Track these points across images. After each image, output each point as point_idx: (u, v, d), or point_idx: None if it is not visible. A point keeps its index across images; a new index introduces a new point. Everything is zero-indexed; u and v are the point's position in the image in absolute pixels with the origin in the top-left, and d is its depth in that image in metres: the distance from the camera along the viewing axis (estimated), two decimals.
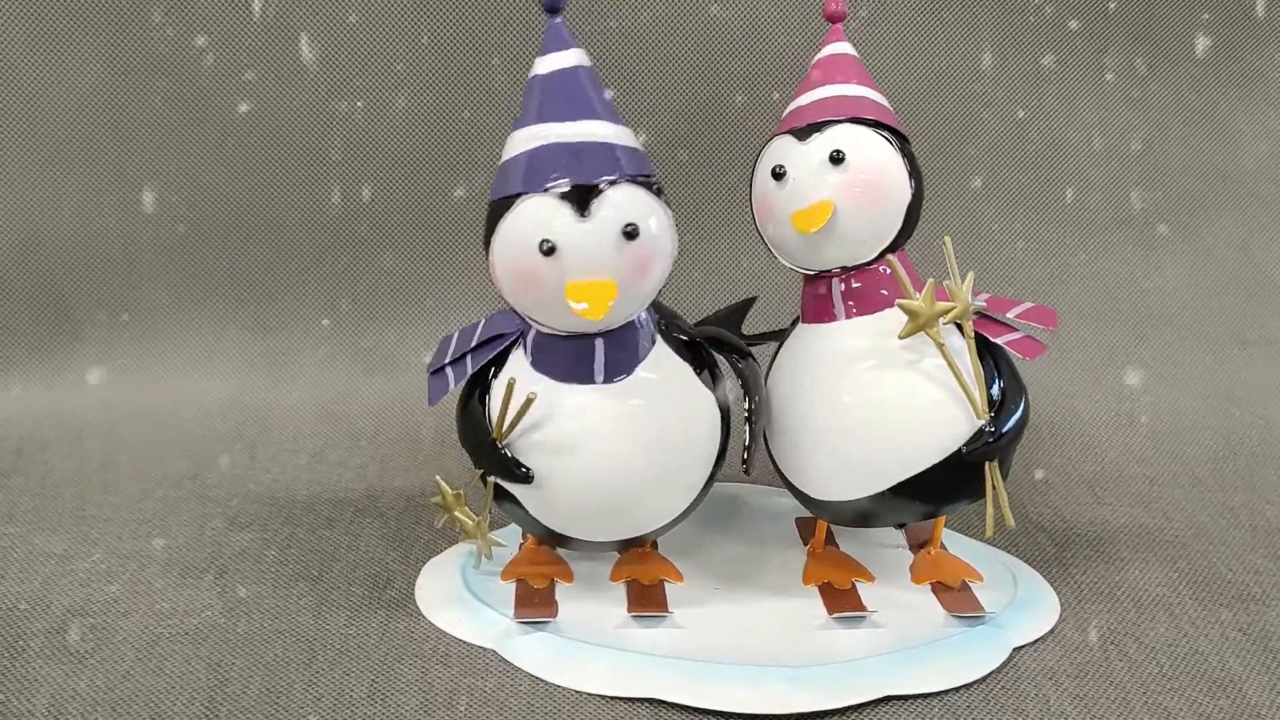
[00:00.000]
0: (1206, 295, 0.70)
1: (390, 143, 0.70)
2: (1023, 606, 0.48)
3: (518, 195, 0.43)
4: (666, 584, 0.49)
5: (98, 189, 0.69)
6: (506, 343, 0.46)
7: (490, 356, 0.46)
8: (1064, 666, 0.44)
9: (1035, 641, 0.46)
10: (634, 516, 0.46)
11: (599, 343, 0.44)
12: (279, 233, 0.69)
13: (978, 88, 0.70)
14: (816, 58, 0.49)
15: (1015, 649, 0.45)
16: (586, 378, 0.44)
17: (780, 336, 0.51)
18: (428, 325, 0.70)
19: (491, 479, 0.46)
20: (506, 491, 0.46)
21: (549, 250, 0.42)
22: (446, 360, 0.47)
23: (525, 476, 0.45)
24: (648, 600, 0.48)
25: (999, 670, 0.44)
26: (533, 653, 0.44)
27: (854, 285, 0.47)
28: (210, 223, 0.69)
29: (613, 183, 0.42)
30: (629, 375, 0.44)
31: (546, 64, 0.44)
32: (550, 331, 0.44)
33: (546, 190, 0.42)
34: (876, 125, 0.46)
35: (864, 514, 0.48)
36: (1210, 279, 0.71)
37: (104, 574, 0.50)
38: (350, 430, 0.66)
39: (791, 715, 0.41)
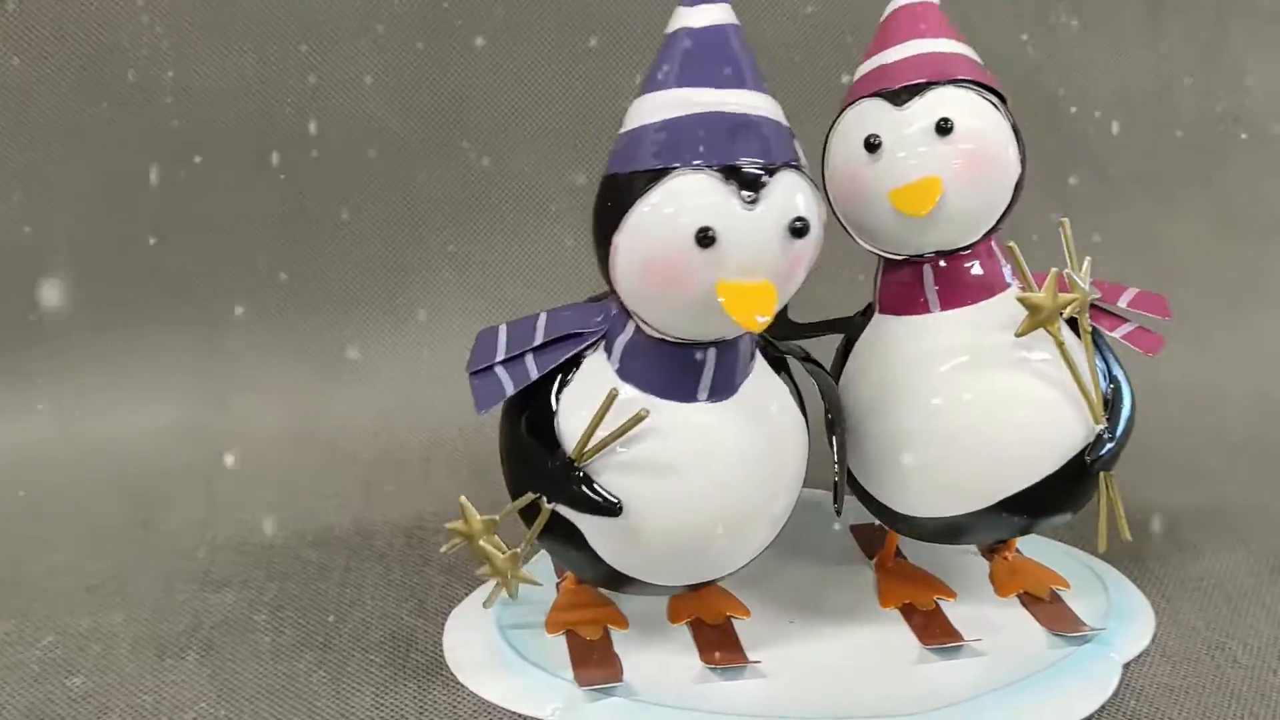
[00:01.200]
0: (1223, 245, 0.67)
1: (345, 122, 0.61)
2: (1120, 615, 0.44)
3: (665, 170, 0.35)
4: (734, 620, 0.44)
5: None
6: (583, 344, 0.39)
7: (563, 359, 0.38)
8: (1178, 681, 0.41)
9: (1141, 655, 0.42)
10: (720, 554, 0.39)
11: (711, 354, 0.37)
12: (221, 226, 0.60)
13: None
14: (894, 6, 0.43)
15: (1125, 666, 0.41)
16: (689, 394, 0.37)
17: (844, 327, 0.45)
18: (398, 328, 0.62)
19: (549, 507, 0.38)
20: (555, 525, 0.39)
21: (708, 240, 0.34)
22: (498, 359, 0.39)
23: (612, 508, 0.37)
24: (722, 646, 0.42)
25: (1117, 692, 0.40)
26: None
27: (950, 273, 0.41)
28: (140, 216, 0.59)
29: (784, 168, 0.35)
30: (734, 394, 0.38)
31: (697, 16, 0.37)
32: (659, 336, 0.37)
33: (709, 167, 0.35)
34: (979, 87, 0.40)
35: (956, 530, 0.42)
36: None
37: (61, 664, 0.42)
38: (322, 454, 0.58)
39: None
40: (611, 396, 0.37)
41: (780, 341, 0.41)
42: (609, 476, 0.37)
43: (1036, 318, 0.39)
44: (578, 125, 0.63)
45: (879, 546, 0.48)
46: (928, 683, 0.40)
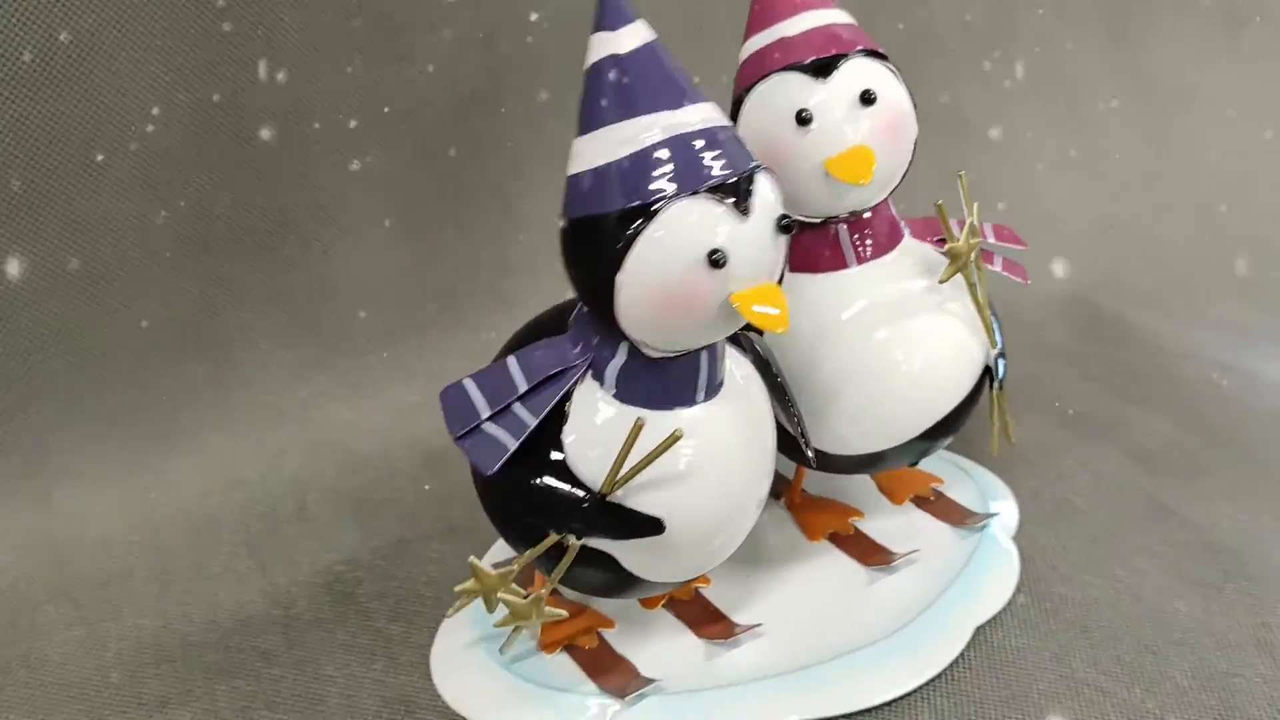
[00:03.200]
0: None
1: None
2: (992, 496, 0.52)
3: (653, 202, 0.35)
4: (701, 590, 0.46)
5: None
6: (571, 380, 0.39)
7: (557, 400, 0.38)
8: (1053, 539, 0.49)
9: (1021, 526, 0.50)
10: (726, 541, 0.41)
11: (703, 357, 0.38)
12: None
13: None
14: None
15: (1014, 539, 0.49)
16: (689, 399, 0.39)
17: None
18: (208, 383, 0.56)
19: (576, 544, 0.38)
20: (586, 554, 0.39)
21: (720, 260, 0.35)
22: (483, 416, 0.38)
23: (657, 525, 0.38)
24: (709, 619, 0.45)
25: (1024, 560, 0.48)
26: None
27: (861, 230, 0.45)
28: None
29: (754, 170, 0.36)
30: (724, 386, 0.40)
31: (623, 40, 0.36)
32: (659, 355, 0.38)
33: (698, 190, 0.35)
34: (878, 56, 0.43)
35: (874, 461, 0.48)
36: None
37: None
38: (182, 534, 0.52)
39: (923, 683, 0.42)
40: (639, 426, 0.37)
41: None
42: (638, 497, 0.38)
43: (956, 264, 0.44)
44: None
45: (786, 488, 0.53)
46: (886, 602, 0.46)
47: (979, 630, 0.44)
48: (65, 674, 0.45)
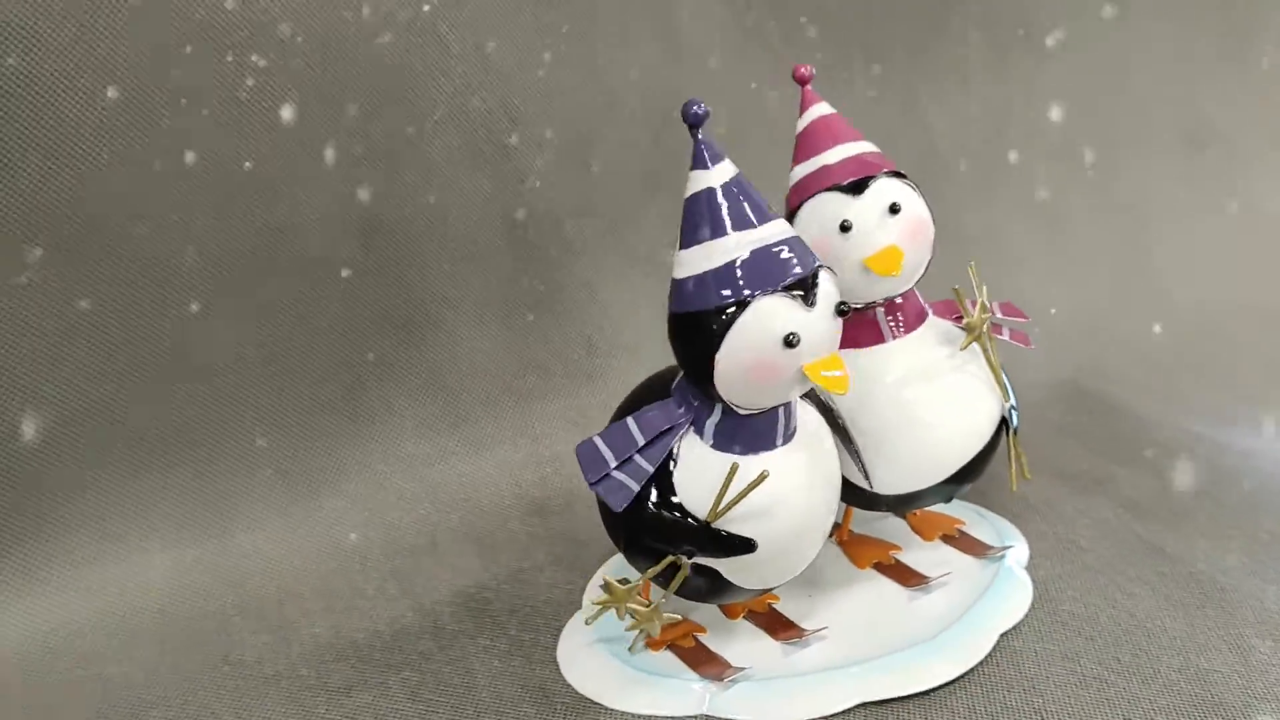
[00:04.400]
0: None
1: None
2: (1007, 534, 0.62)
3: (744, 299, 0.46)
4: (773, 605, 0.56)
5: None
6: (677, 435, 0.50)
7: (668, 451, 0.49)
8: (1061, 570, 0.59)
9: (1033, 559, 0.60)
10: (798, 560, 0.52)
11: (781, 411, 0.49)
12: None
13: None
14: (810, 119, 0.57)
15: (1027, 569, 0.60)
16: (771, 444, 0.49)
17: None
18: (356, 440, 0.68)
19: (687, 563, 0.49)
20: (696, 570, 0.49)
21: (793, 342, 0.46)
22: (612, 466, 0.49)
23: (751, 545, 0.49)
24: (782, 626, 0.55)
25: (1037, 585, 0.58)
26: (742, 703, 0.50)
27: (895, 312, 0.56)
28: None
29: (817, 269, 0.47)
30: (796, 434, 0.51)
31: (715, 176, 0.48)
32: (747, 412, 0.49)
33: (776, 290, 0.46)
34: (898, 175, 0.55)
35: (912, 499, 0.58)
36: None
37: None
38: (341, 563, 0.63)
39: (958, 675, 0.52)
40: (734, 469, 0.48)
41: None
42: (735, 524, 0.49)
43: (972, 335, 0.56)
44: None
45: (836, 527, 0.63)
46: (926, 614, 0.56)
47: (1002, 636, 0.54)
48: (261, 669, 0.55)
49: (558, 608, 0.58)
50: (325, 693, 0.53)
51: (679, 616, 0.51)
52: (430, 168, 0.69)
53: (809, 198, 0.56)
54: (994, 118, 0.93)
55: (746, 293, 0.47)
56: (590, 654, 0.54)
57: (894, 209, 0.55)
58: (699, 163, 0.49)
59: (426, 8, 0.67)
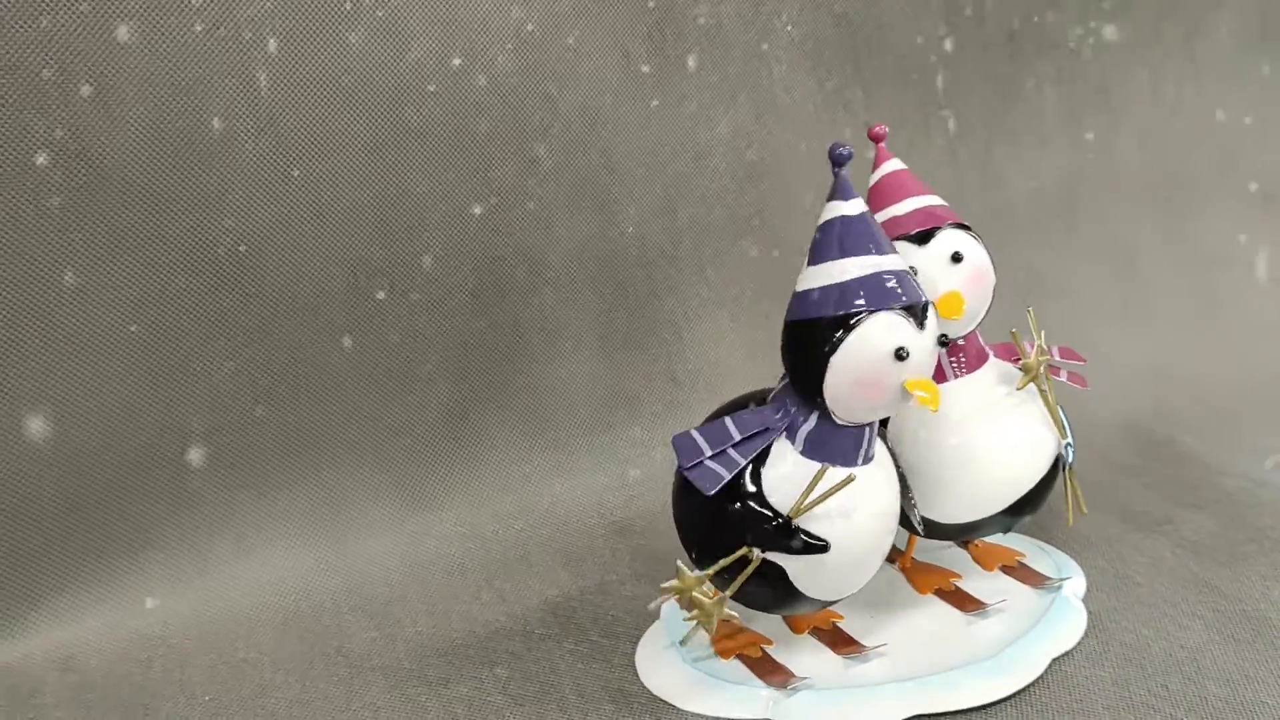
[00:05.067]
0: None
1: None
2: (1065, 567, 0.65)
3: (860, 312, 0.51)
4: (836, 623, 0.60)
5: None
6: (773, 436, 0.54)
7: (761, 448, 0.53)
8: (1115, 601, 0.62)
9: (1090, 590, 0.63)
10: (867, 573, 0.56)
11: (867, 430, 0.54)
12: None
13: None
14: (883, 173, 0.61)
15: (1083, 599, 0.63)
16: (853, 460, 0.54)
17: None
18: (459, 460, 0.74)
19: (758, 557, 0.53)
20: (763, 568, 0.53)
21: (903, 355, 0.51)
22: (706, 455, 0.53)
23: (825, 547, 0.53)
24: (844, 642, 0.59)
25: (1091, 615, 0.61)
26: (803, 711, 0.54)
27: (958, 353, 0.61)
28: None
29: (929, 302, 0.53)
30: (875, 454, 0.55)
31: (848, 208, 0.53)
32: (842, 423, 0.53)
33: (895, 307, 0.51)
34: (962, 226, 0.60)
35: (972, 529, 0.62)
36: None
37: None
38: (444, 570, 0.69)
39: (1010, 694, 0.55)
40: (823, 471, 0.53)
41: None
42: (811, 526, 0.53)
43: (1029, 375, 0.60)
44: None
45: (899, 554, 0.67)
46: (983, 637, 0.59)
47: (1055, 660, 0.57)
48: (369, 660, 0.61)
49: (638, 618, 0.63)
50: (425, 684, 0.59)
51: (736, 615, 0.55)
52: (539, 212, 0.76)
53: None
54: (1068, 168, 0.97)
55: (869, 306, 0.52)
56: (665, 659, 0.59)
57: (956, 257, 0.59)
58: (837, 195, 0.54)
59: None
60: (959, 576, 0.65)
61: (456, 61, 0.72)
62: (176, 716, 0.58)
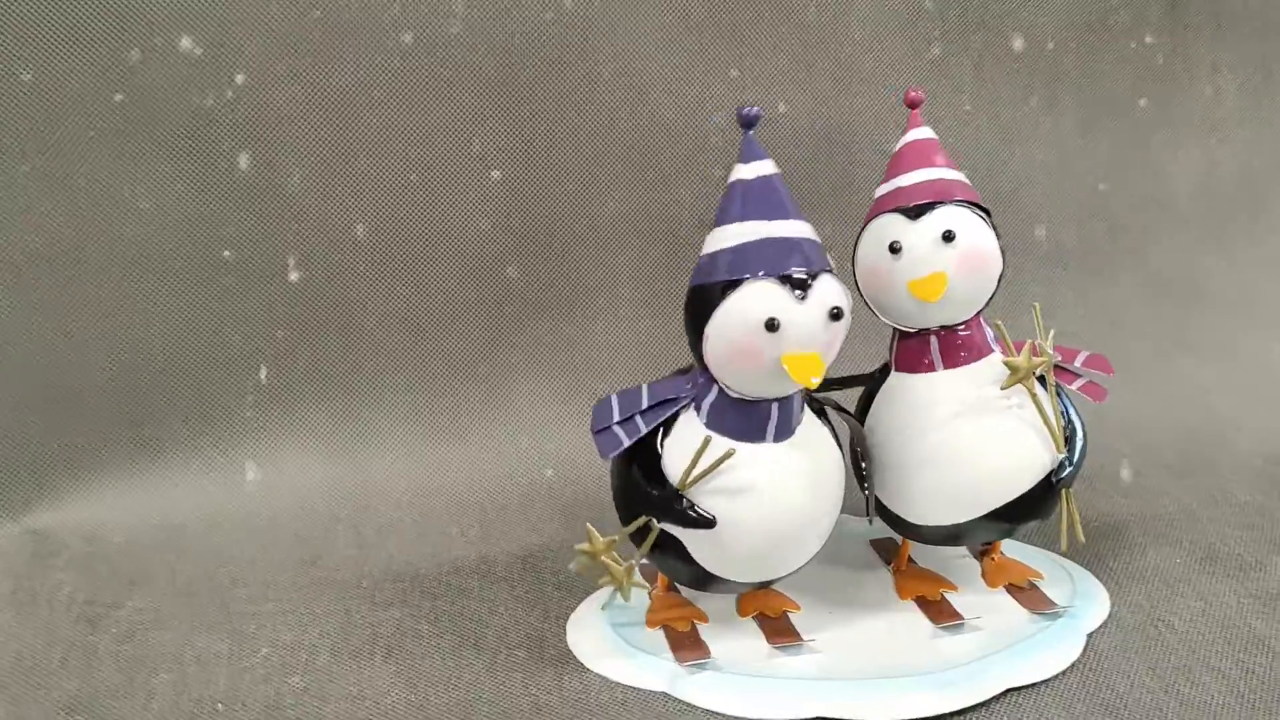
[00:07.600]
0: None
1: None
2: (1084, 597, 0.58)
3: (739, 280, 0.49)
4: (789, 614, 0.57)
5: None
6: (678, 406, 0.52)
7: (664, 418, 0.52)
8: (1131, 643, 0.54)
9: (1102, 626, 0.55)
10: (785, 558, 0.53)
11: (775, 406, 0.51)
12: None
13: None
14: (904, 141, 0.57)
15: (1089, 635, 0.55)
16: (758, 437, 0.51)
17: (867, 382, 0.58)
18: (484, 398, 0.77)
19: (657, 526, 0.51)
20: (661, 540, 0.52)
21: (773, 326, 0.48)
22: (614, 420, 0.53)
23: (710, 522, 0.51)
24: (782, 631, 0.55)
25: (1084, 653, 0.53)
26: (702, 690, 0.51)
27: (949, 341, 0.55)
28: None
29: (821, 273, 0.49)
30: (791, 435, 0.52)
31: (749, 170, 0.51)
32: (739, 396, 0.51)
33: (770, 275, 0.49)
34: (971, 205, 0.54)
35: (956, 535, 0.56)
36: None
37: (280, 667, 0.55)
38: (444, 504, 0.71)
39: (940, 716, 0.49)
40: (706, 441, 0.50)
41: (819, 395, 0.55)
42: (705, 500, 0.51)
43: (1015, 376, 0.53)
44: None
45: (895, 555, 0.62)
46: (942, 650, 0.53)
47: (1011, 691, 0.50)
48: (335, 574, 0.64)
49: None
50: (368, 602, 0.60)
51: (647, 585, 0.53)
52: (593, 179, 0.76)
53: (875, 217, 0.56)
54: (1233, 165, 0.84)
55: (740, 274, 0.49)
56: (595, 621, 0.57)
57: (948, 236, 0.53)
58: (741, 158, 0.52)
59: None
60: (953, 588, 0.58)
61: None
62: (155, 594, 0.63)
